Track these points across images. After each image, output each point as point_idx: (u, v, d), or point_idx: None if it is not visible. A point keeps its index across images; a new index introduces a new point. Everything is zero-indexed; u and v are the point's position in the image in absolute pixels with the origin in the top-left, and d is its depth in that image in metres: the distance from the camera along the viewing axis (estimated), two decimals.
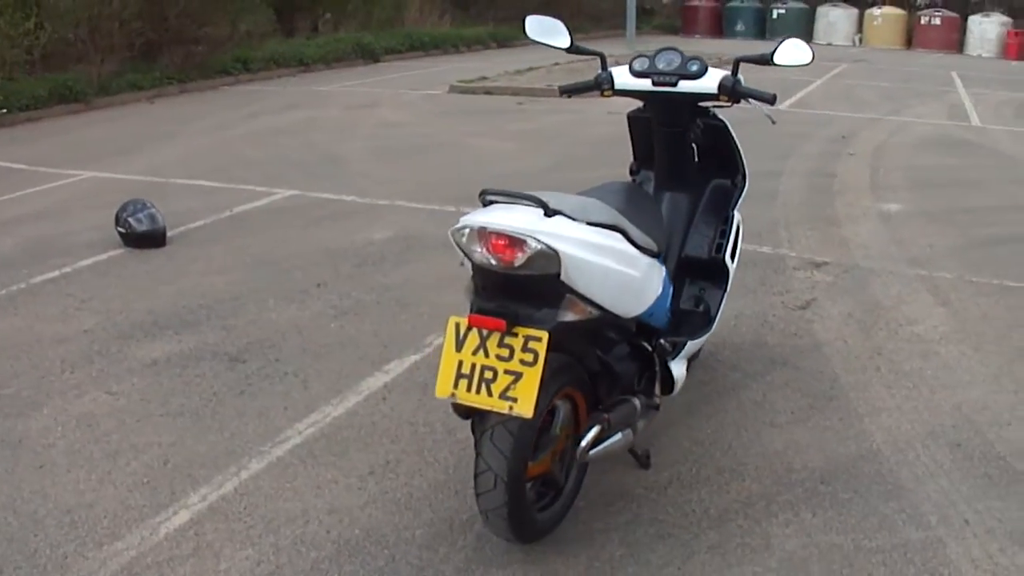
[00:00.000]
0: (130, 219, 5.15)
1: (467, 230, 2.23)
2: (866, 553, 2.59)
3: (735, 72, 3.00)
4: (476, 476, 2.31)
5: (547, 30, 3.14)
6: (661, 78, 3.02)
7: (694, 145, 3.19)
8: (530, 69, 14.70)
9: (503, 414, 2.22)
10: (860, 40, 26.91)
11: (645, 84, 3.07)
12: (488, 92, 12.35)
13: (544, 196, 2.31)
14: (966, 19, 24.94)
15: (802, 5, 28.21)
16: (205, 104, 11.63)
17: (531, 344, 2.19)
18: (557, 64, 15.59)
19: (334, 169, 7.55)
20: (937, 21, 25.51)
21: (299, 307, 4.44)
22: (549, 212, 2.24)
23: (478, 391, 2.23)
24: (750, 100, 3.01)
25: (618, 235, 2.42)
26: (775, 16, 28.12)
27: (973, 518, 2.75)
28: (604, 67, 3.18)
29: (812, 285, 4.77)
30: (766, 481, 2.95)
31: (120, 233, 5.20)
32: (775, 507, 2.81)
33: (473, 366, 2.24)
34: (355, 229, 5.77)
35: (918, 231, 5.73)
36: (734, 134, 3.28)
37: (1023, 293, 4.64)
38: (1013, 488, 2.91)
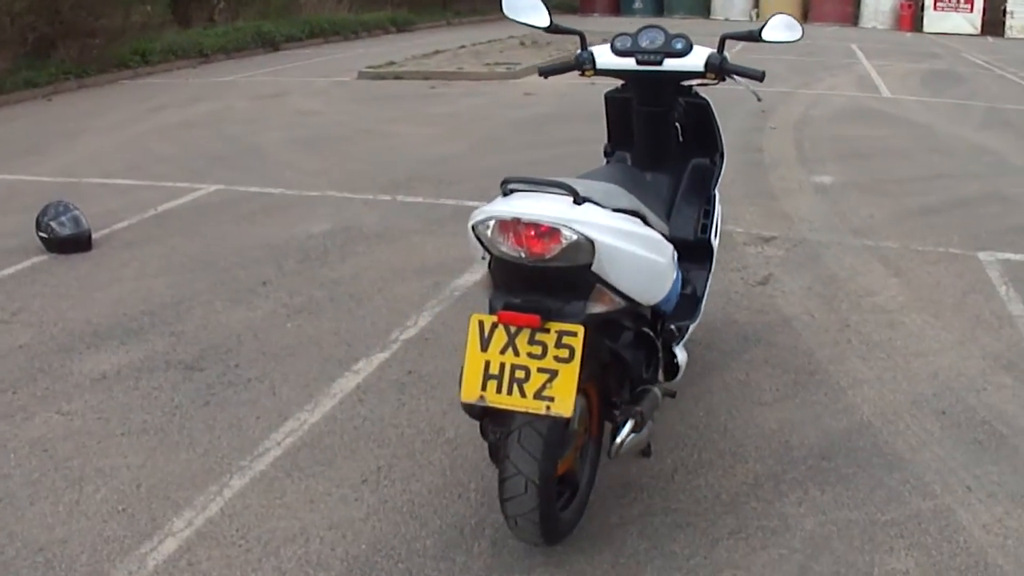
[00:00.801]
0: (52, 223, 4.77)
1: (493, 222, 2.09)
2: (882, 527, 2.58)
3: (721, 49, 2.93)
4: (503, 481, 2.18)
5: (524, 7, 3.00)
6: (646, 56, 2.92)
7: (677, 125, 3.11)
8: (436, 52, 14.48)
9: (531, 414, 2.10)
10: (757, 15, 27.53)
11: (629, 63, 2.96)
12: (398, 77, 12.08)
13: (568, 182, 2.18)
14: None
15: None
16: (106, 99, 10.98)
17: (566, 339, 2.06)
18: (463, 47, 15.46)
19: (256, 161, 7.22)
20: None
21: (248, 308, 4.20)
22: (579, 200, 2.12)
23: (509, 392, 2.10)
24: (735, 77, 2.95)
25: (639, 220, 2.32)
26: None
27: (974, 484, 2.78)
28: (584, 46, 3.05)
29: (766, 260, 4.79)
30: (769, 461, 2.92)
31: (42, 238, 4.81)
32: (784, 487, 2.78)
33: (502, 366, 2.11)
34: (291, 222, 5.51)
35: (855, 202, 5.84)
36: (715, 112, 3.22)
37: (968, 260, 4.77)
38: (1003, 452, 2.96)
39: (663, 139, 3.15)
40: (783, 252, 4.92)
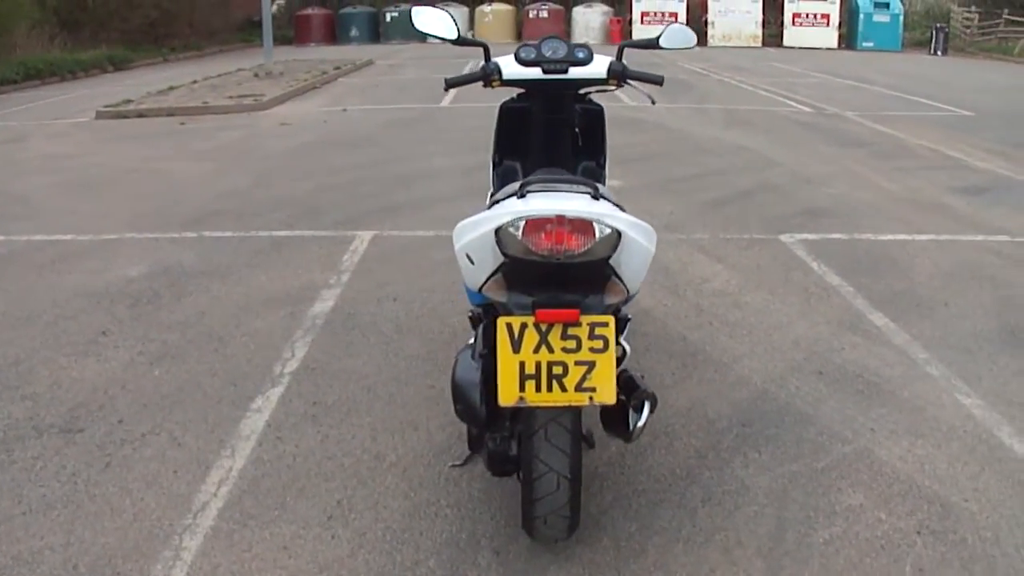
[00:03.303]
0: None
1: (522, 222, 2.08)
2: (822, 472, 2.88)
3: (620, 57, 3.10)
4: (534, 481, 2.18)
5: (434, 22, 3.00)
6: (551, 66, 3.02)
7: (577, 130, 3.24)
8: (171, 88, 13.70)
9: (562, 408, 2.13)
10: (472, 36, 28.67)
11: (535, 72, 3.03)
12: (142, 115, 11.28)
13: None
14: (571, 10, 27.71)
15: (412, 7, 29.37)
16: None
17: (598, 331, 2.11)
18: (196, 82, 14.77)
19: (24, 209, 6.45)
20: (544, 14, 28.06)
21: (99, 360, 3.78)
22: (597, 196, 2.17)
23: (549, 389, 2.10)
24: (630, 82, 3.12)
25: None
26: (389, 19, 28.99)
27: (875, 426, 3.17)
28: (488, 58, 3.09)
29: None
30: (700, 435, 3.13)
31: None
32: (725, 454, 3.00)
33: (538, 364, 2.10)
34: (100, 269, 5.01)
35: (652, 202, 6.34)
36: (606, 118, 3.39)
37: (774, 243, 5.37)
38: (883, 397, 3.40)
39: (561, 145, 3.27)
40: None
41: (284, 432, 3.18)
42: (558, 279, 2.15)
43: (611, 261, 2.17)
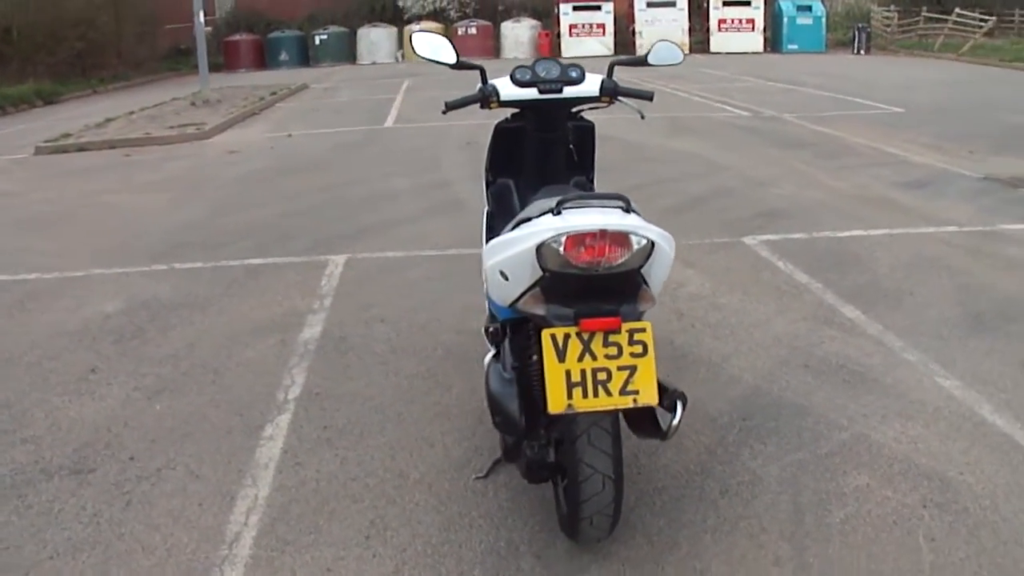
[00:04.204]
0: None
1: (564, 237, 2.19)
2: (826, 458, 3.04)
3: (610, 75, 3.23)
4: (580, 484, 2.28)
5: (434, 48, 3.09)
6: (547, 85, 3.13)
7: (572, 147, 3.36)
8: (108, 120, 13.47)
9: (601, 412, 2.24)
10: (402, 56, 28.73)
11: (531, 93, 3.13)
12: (83, 149, 11.07)
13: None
14: (499, 26, 27.93)
15: (343, 29, 29.29)
16: None
17: (637, 336, 2.23)
18: (133, 113, 14.56)
19: None
20: (473, 30, 28.25)
21: (95, 398, 3.76)
22: (628, 209, 2.29)
23: (596, 394, 2.21)
24: (621, 99, 3.24)
25: None
26: (318, 42, 28.89)
27: (867, 412, 3.35)
28: (484, 80, 3.19)
29: None
30: (706, 431, 3.27)
31: None
32: (732, 448, 3.14)
33: (583, 372, 2.21)
34: (74, 306, 4.95)
35: None
36: (596, 134, 3.51)
37: (738, 246, 5.58)
38: (868, 385, 3.59)
39: (556, 162, 3.38)
40: None
41: (302, 458, 3.22)
42: (595, 290, 2.26)
43: (642, 270, 2.29)
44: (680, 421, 2.38)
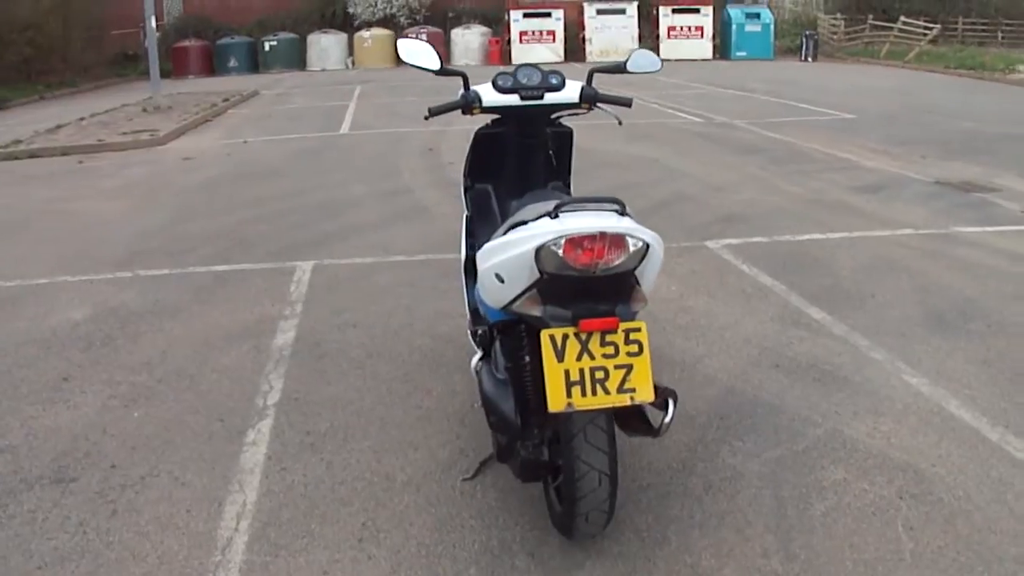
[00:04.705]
0: None
1: (563, 240, 2.24)
2: (803, 454, 3.14)
3: (590, 82, 3.29)
4: (576, 481, 2.33)
5: (418, 53, 3.12)
6: (529, 92, 3.18)
7: (551, 152, 3.41)
8: (59, 127, 13.20)
9: (596, 410, 2.29)
10: (352, 63, 28.58)
11: (513, 99, 3.18)
12: (35, 155, 10.84)
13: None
14: (449, 33, 27.90)
15: (292, 35, 29.03)
16: None
17: (633, 336, 2.29)
18: (84, 119, 14.29)
19: None
20: (424, 37, 28.06)
21: (70, 407, 3.71)
22: (623, 212, 2.35)
23: (594, 393, 2.26)
24: (600, 106, 3.30)
25: None
26: (267, 49, 28.58)
27: (838, 409, 3.46)
28: (467, 87, 3.23)
29: None
30: (685, 431, 3.34)
31: None
32: (712, 446, 3.22)
33: (582, 371, 2.27)
34: (40, 314, 4.87)
35: None
36: (574, 139, 3.57)
37: (702, 250, 5.71)
38: (839, 384, 3.70)
39: (536, 167, 3.44)
40: None
41: (287, 463, 3.22)
42: (591, 291, 2.32)
43: (637, 271, 2.36)
44: (673, 418, 2.45)
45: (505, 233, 2.54)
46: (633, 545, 2.64)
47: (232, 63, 28.60)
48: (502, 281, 2.41)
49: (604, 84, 3.24)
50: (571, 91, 3.23)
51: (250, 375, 4.01)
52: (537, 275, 2.32)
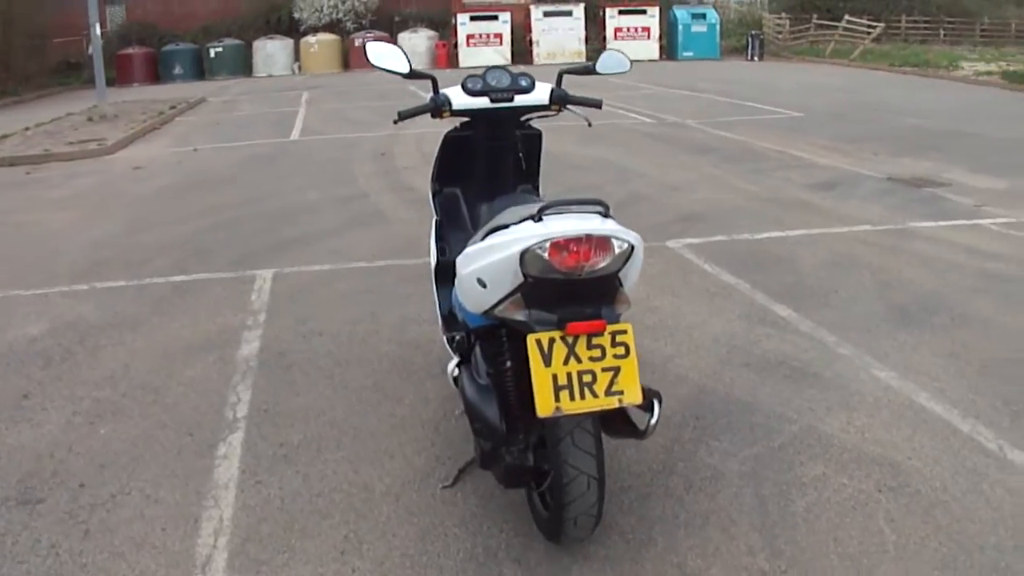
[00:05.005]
0: None
1: (548, 243, 2.22)
2: (780, 450, 3.17)
3: (559, 83, 3.29)
4: (565, 486, 2.32)
5: (387, 56, 3.09)
6: (498, 95, 3.16)
7: (520, 155, 3.40)
8: (3, 136, 12.85)
9: (584, 414, 2.28)
10: (299, 68, 28.28)
11: (483, 102, 3.16)
12: None
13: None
14: (396, 36, 27.72)
15: (238, 41, 28.64)
16: None
17: (619, 338, 2.28)
18: (28, 129, 13.94)
19: None
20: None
21: (33, 425, 3.60)
22: (606, 214, 2.35)
23: (582, 396, 2.25)
24: (570, 108, 3.30)
25: None
26: (212, 55, 28.15)
27: (812, 405, 3.51)
28: (436, 90, 3.20)
29: None
30: (661, 431, 3.28)
31: None
32: (690, 446, 3.24)
33: (569, 375, 2.25)
34: None
35: None
36: (543, 142, 3.56)
37: (664, 250, 5.75)
38: (810, 380, 3.75)
39: (506, 170, 3.42)
40: None
41: (262, 476, 3.16)
42: (576, 294, 2.31)
43: (620, 273, 2.35)
44: (658, 419, 2.45)
45: (484, 238, 2.52)
46: (619, 547, 2.64)
47: (177, 70, 28.11)
48: (484, 286, 2.39)
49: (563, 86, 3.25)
50: (541, 93, 3.23)
51: (217, 387, 3.93)
52: (521, 279, 2.30)
